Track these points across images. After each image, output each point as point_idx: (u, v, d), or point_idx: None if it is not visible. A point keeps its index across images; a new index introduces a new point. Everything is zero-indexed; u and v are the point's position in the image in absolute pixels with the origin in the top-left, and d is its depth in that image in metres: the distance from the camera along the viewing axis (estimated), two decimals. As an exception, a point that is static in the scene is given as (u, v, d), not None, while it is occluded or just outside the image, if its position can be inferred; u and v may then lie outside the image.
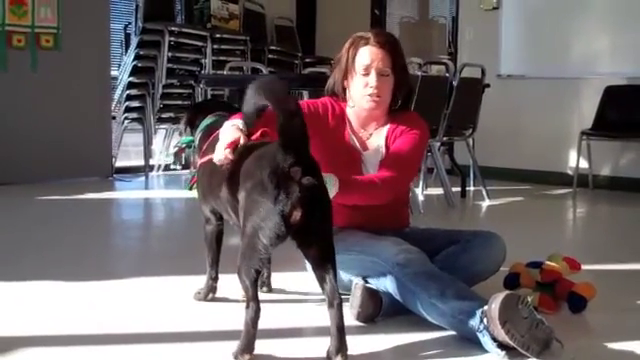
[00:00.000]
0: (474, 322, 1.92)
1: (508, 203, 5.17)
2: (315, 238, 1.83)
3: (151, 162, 6.45)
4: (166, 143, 6.53)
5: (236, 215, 1.98)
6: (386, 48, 2.35)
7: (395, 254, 2.15)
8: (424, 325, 2.07)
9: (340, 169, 2.24)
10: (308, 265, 1.99)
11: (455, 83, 4.81)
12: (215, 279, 2.39)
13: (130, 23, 6.30)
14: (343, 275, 2.24)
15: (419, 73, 4.57)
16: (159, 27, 6.09)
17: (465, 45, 6.71)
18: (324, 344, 1.85)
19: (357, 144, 2.44)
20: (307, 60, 7.48)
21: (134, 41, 6.11)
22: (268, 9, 7.46)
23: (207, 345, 2.00)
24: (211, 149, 2.19)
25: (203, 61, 6.50)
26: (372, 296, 2.18)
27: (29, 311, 2.31)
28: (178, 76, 6.43)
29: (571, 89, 6.08)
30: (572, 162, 5.76)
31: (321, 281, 1.85)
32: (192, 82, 6.44)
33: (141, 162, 6.38)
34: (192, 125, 2.50)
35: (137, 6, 6.14)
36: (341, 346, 1.80)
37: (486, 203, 5.02)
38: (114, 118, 6.15)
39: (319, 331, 2.02)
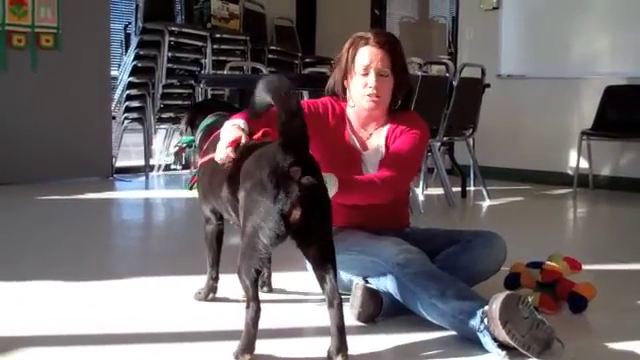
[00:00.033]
0: (475, 322, 1.92)
1: (508, 203, 5.17)
2: (315, 237, 1.83)
3: (151, 162, 6.45)
4: (166, 143, 6.52)
5: (236, 215, 1.98)
6: (385, 48, 2.35)
7: (395, 254, 2.15)
8: (424, 325, 2.07)
9: (340, 169, 2.24)
10: (308, 265, 1.99)
11: (455, 83, 4.81)
12: (215, 279, 2.39)
13: (130, 23, 6.30)
14: (343, 275, 2.24)
15: (419, 73, 4.57)
16: (159, 27, 6.09)
17: (465, 45, 6.70)
18: (324, 344, 1.84)
19: (357, 144, 2.44)
20: (307, 60, 7.48)
21: (134, 41, 6.11)
22: (268, 9, 7.46)
23: (207, 345, 2.00)
24: (212, 149, 2.19)
25: (203, 61, 6.50)
26: (372, 296, 2.18)
27: (29, 311, 2.30)
28: (178, 76, 6.43)
29: (571, 89, 6.08)
30: (572, 162, 5.75)
31: (321, 281, 1.85)
32: (192, 82, 6.44)
33: (141, 162, 6.38)
34: (192, 125, 2.50)
35: (137, 6, 6.13)
36: (341, 346, 1.80)
37: (486, 203, 5.02)
38: (114, 118, 6.15)
39: (319, 331, 2.02)
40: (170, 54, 6.16)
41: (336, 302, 1.81)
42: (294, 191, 1.73)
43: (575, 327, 2.24)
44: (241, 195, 1.88)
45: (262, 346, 1.85)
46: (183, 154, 2.58)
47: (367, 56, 2.35)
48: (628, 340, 2.07)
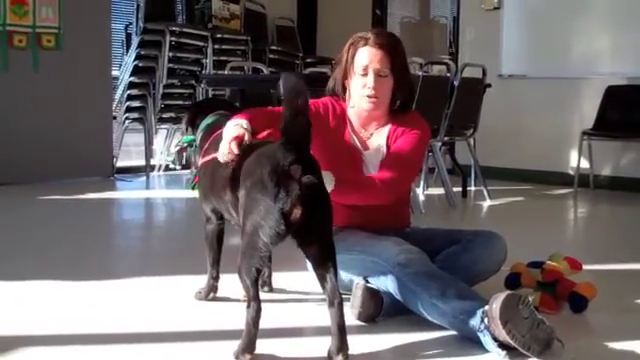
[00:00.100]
0: (475, 322, 1.92)
1: (509, 203, 5.16)
2: (315, 237, 1.83)
3: (152, 162, 6.46)
4: (167, 143, 6.53)
5: (237, 214, 1.98)
6: (385, 49, 2.35)
7: (396, 254, 2.15)
8: (425, 325, 2.07)
9: (341, 168, 2.24)
10: (309, 264, 1.98)
11: (456, 83, 4.81)
12: (216, 278, 2.39)
13: (131, 23, 6.31)
14: (344, 275, 2.24)
15: (420, 73, 4.57)
16: (160, 27, 6.09)
17: (466, 45, 6.70)
18: (325, 343, 1.84)
19: (358, 144, 2.44)
20: (308, 60, 7.49)
21: (135, 41, 6.12)
22: (269, 9, 7.47)
23: (208, 345, 2.00)
24: (212, 148, 2.19)
25: (204, 61, 6.51)
26: (373, 296, 2.18)
27: (29, 311, 2.31)
28: (179, 76, 6.43)
29: (572, 89, 6.07)
30: (573, 162, 5.75)
31: (322, 280, 1.85)
32: (193, 82, 6.45)
33: (142, 162, 6.38)
34: (193, 124, 2.50)
35: (138, 6, 6.14)
36: (342, 345, 1.80)
37: (487, 203, 5.02)
38: (115, 118, 6.15)
39: (320, 330, 2.02)
40: (171, 54, 6.16)
41: (337, 301, 1.81)
42: (294, 190, 1.73)
43: (575, 327, 2.24)
44: (241, 194, 1.88)
45: (263, 346, 1.84)
46: (184, 153, 2.58)
47: (366, 56, 2.35)
48: (628, 340, 2.07)
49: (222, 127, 2.17)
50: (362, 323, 2.17)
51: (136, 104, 6.21)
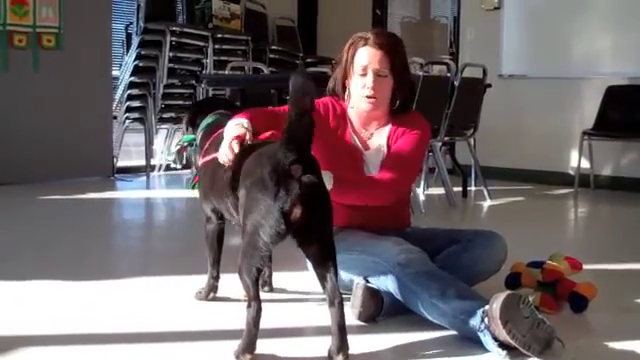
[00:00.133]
0: (475, 322, 1.92)
1: (509, 203, 5.16)
2: (315, 236, 1.83)
3: (152, 162, 6.46)
4: (167, 143, 6.53)
5: (238, 214, 1.97)
6: (384, 49, 2.34)
7: (396, 254, 2.14)
8: (425, 325, 2.07)
9: (341, 169, 2.24)
10: (309, 264, 1.98)
11: (457, 83, 4.81)
12: (216, 278, 2.39)
13: (131, 23, 6.31)
14: (344, 275, 2.24)
15: (420, 73, 4.57)
16: (160, 27, 6.09)
17: (466, 45, 6.70)
18: (325, 343, 1.84)
19: (358, 144, 2.44)
20: (308, 60, 7.49)
21: (135, 41, 6.12)
22: (269, 9, 7.47)
23: (208, 345, 2.00)
24: (213, 148, 2.19)
25: (204, 61, 6.51)
26: (373, 296, 2.18)
27: (29, 311, 2.30)
28: (179, 76, 6.43)
29: (573, 89, 6.07)
30: (573, 162, 5.75)
31: (322, 280, 1.85)
32: (193, 82, 6.45)
33: (142, 162, 6.38)
34: (193, 124, 2.50)
35: (138, 6, 6.14)
36: (342, 345, 1.80)
37: (487, 203, 5.02)
38: (115, 118, 6.16)
39: (320, 330, 2.02)
40: (171, 54, 6.17)
41: (337, 301, 1.80)
42: (295, 189, 1.73)
43: (576, 327, 2.24)
44: (241, 193, 1.88)
45: (263, 345, 1.84)
46: (184, 153, 2.58)
47: (365, 57, 2.35)
48: (628, 340, 2.07)
49: (222, 127, 2.17)
50: (362, 323, 2.17)
51: (136, 104, 6.21)
